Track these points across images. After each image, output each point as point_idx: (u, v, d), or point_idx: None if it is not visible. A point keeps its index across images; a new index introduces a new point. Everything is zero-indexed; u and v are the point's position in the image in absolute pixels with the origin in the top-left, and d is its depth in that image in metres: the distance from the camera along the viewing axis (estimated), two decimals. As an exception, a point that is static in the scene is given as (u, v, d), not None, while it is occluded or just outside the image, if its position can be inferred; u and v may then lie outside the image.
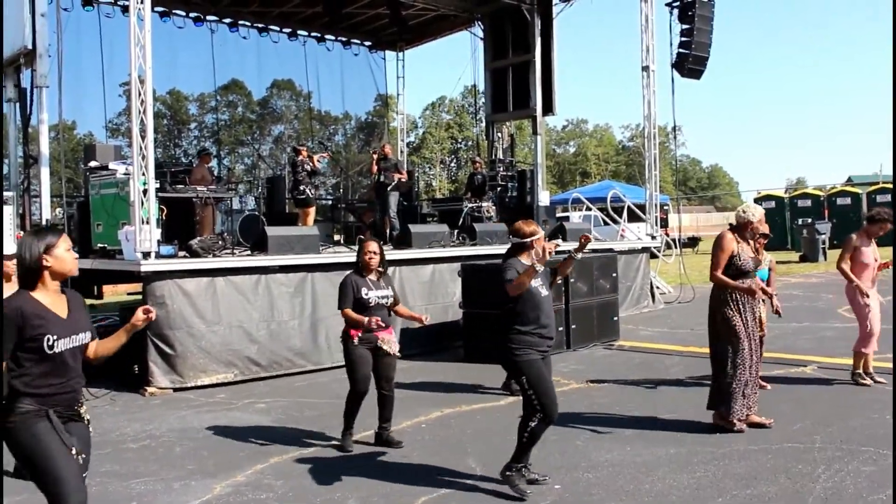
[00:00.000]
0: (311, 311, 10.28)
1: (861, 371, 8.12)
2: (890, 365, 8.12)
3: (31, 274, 3.55)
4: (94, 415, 7.92)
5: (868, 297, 7.97)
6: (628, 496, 5.21)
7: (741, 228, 6.69)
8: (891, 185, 27.54)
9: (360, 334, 6.36)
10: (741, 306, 6.55)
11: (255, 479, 5.79)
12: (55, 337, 3.47)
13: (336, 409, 7.96)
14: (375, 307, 6.41)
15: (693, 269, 17.51)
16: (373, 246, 6.57)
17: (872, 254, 8.06)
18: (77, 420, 3.64)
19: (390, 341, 6.49)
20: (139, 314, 3.75)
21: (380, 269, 6.57)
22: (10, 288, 5.80)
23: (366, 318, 6.26)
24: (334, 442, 6.71)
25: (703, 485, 5.34)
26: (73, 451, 3.49)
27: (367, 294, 6.41)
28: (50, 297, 3.57)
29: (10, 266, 5.90)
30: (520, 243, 5.40)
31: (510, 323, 5.29)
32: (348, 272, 6.69)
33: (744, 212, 6.75)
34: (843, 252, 8.16)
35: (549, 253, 5.22)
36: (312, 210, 13.53)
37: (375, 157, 14.54)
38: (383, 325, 6.39)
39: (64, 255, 3.58)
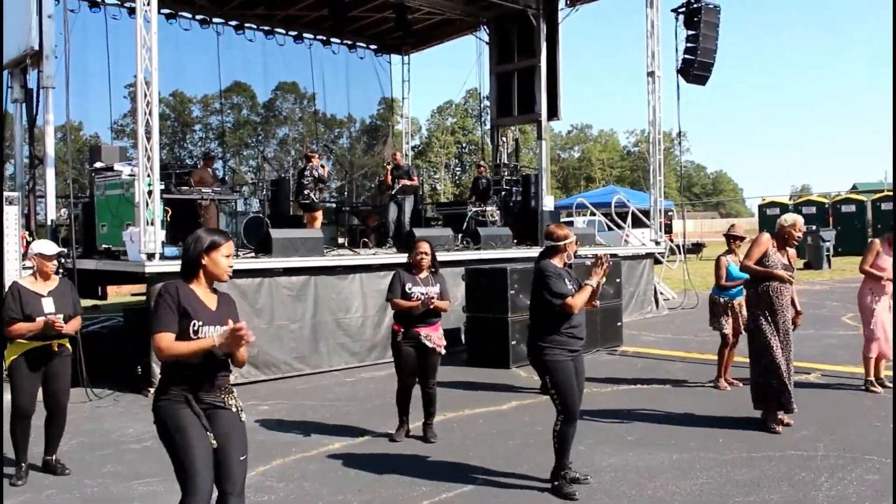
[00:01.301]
0: (311, 314, 10.27)
1: (872, 378, 8.14)
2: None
3: (189, 266, 3.84)
4: (97, 415, 7.98)
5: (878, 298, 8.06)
6: (631, 502, 5.20)
7: (778, 233, 7.00)
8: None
9: (402, 330, 6.63)
10: (770, 307, 6.81)
11: (257, 481, 5.78)
12: (200, 323, 3.71)
13: (337, 412, 8.00)
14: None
15: (697, 275, 17.49)
16: (424, 247, 6.79)
17: (890, 262, 8.12)
18: (221, 408, 3.82)
19: (433, 337, 6.68)
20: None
21: (431, 268, 6.79)
22: (49, 285, 5.96)
23: (415, 302, 6.54)
24: (337, 444, 6.71)
25: (705, 491, 5.33)
26: (210, 437, 3.71)
27: (411, 288, 6.65)
28: (202, 290, 3.83)
29: (49, 265, 5.99)
30: (553, 246, 5.53)
31: (541, 322, 5.43)
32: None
33: (782, 219, 7.12)
34: (865, 255, 8.27)
35: (573, 253, 5.57)
36: (319, 214, 13.56)
37: (389, 167, 14.47)
38: (429, 303, 6.59)
39: (219, 260, 3.83)
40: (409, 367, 6.71)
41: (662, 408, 7.71)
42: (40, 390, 6.02)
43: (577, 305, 5.29)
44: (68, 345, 6.09)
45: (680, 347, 11.34)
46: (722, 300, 8.55)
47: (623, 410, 7.63)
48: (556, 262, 5.49)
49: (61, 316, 5.89)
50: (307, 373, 10.01)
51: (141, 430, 7.32)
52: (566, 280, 5.39)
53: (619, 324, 11.91)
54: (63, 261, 9.66)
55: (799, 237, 7.01)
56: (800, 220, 7.07)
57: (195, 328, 3.69)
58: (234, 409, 3.87)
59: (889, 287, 8.09)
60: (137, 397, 8.79)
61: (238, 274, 9.64)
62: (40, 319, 5.77)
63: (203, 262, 3.80)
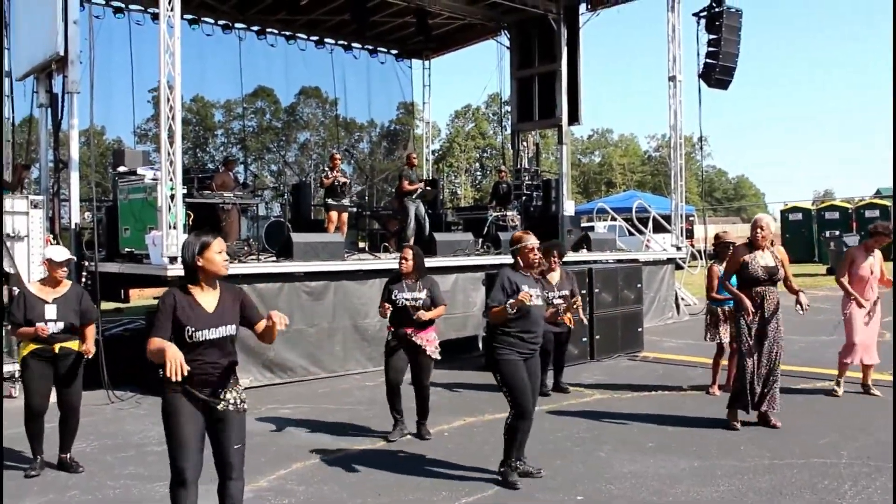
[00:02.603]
0: (329, 319, 10.30)
1: (841, 380, 8.28)
2: (890, 377, 8.08)
3: (189, 271, 4.12)
4: (119, 417, 8.04)
5: (862, 305, 8.11)
6: (651, 509, 5.17)
7: (751, 238, 7.12)
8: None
9: (392, 329, 6.90)
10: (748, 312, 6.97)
11: (278, 484, 5.81)
12: (193, 329, 3.99)
13: (357, 415, 8.01)
14: (403, 308, 6.83)
15: (718, 281, 17.34)
16: (405, 252, 7.04)
17: (869, 267, 8.21)
18: (218, 401, 4.09)
19: (424, 339, 6.87)
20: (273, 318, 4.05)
21: (416, 273, 6.96)
22: (56, 291, 6.10)
23: (387, 308, 6.84)
24: (356, 448, 6.73)
25: (726, 499, 5.29)
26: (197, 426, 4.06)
27: (396, 295, 6.85)
28: (203, 293, 4.10)
29: (59, 272, 6.10)
30: (511, 251, 5.90)
31: (496, 325, 5.70)
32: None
33: None
34: (840, 266, 8.44)
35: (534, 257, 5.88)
36: (333, 215, 13.38)
37: (415, 177, 14.28)
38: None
39: (214, 258, 4.08)
40: (398, 366, 6.93)
41: (683, 414, 7.67)
42: (54, 391, 6.19)
43: (497, 316, 5.51)
44: (77, 347, 6.18)
45: (701, 353, 11.24)
46: (719, 310, 8.57)
47: (643, 416, 7.60)
48: (520, 264, 5.77)
49: (62, 324, 6.04)
50: (322, 376, 10.04)
51: (163, 432, 7.35)
52: (508, 288, 5.56)
53: (639, 329, 11.85)
54: (87, 264, 9.78)
55: (759, 234, 6.97)
56: (762, 218, 7.09)
57: (189, 334, 3.98)
58: (230, 402, 4.12)
59: (870, 294, 8.19)
60: (159, 400, 8.82)
61: (259, 278, 9.70)
62: (39, 325, 5.92)
63: (199, 263, 4.05)
